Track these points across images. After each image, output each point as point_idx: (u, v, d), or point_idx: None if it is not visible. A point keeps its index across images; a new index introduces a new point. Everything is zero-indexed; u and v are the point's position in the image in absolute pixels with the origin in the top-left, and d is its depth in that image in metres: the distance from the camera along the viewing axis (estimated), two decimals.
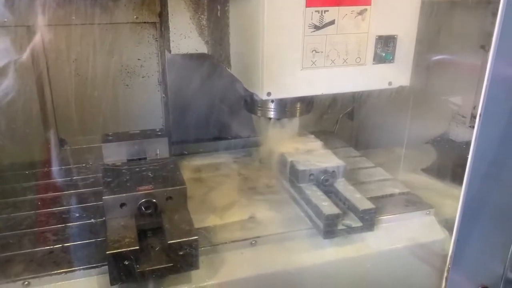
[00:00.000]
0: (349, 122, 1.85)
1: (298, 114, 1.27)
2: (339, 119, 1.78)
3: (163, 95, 1.64)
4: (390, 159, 1.59)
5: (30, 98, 1.48)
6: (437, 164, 1.59)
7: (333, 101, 1.62)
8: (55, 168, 1.42)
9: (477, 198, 0.83)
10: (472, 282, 0.92)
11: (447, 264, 0.87)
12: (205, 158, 1.52)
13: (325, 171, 1.21)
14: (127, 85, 1.60)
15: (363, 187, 1.32)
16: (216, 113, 1.61)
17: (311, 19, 1.02)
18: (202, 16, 1.37)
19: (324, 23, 1.03)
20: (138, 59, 1.59)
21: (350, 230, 1.11)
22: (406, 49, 1.11)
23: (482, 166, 0.79)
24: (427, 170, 1.56)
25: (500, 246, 0.90)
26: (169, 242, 0.95)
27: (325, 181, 1.21)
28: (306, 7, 1.01)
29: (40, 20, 1.38)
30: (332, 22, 1.04)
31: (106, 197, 1.00)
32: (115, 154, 1.24)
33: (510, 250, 0.90)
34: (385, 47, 1.10)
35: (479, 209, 0.85)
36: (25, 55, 1.42)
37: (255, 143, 1.53)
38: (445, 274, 0.88)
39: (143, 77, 1.61)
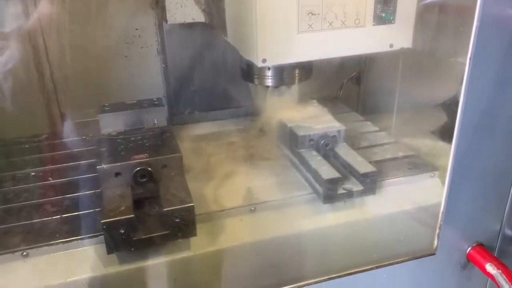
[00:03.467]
0: (354, 88, 1.81)
1: (296, 81, 1.23)
2: (343, 84, 1.74)
3: (163, 65, 1.61)
4: (396, 123, 1.56)
5: (28, 71, 1.47)
6: (445, 127, 1.55)
7: (338, 65, 1.58)
8: (55, 141, 1.42)
9: (468, 150, 0.80)
10: (465, 239, 0.89)
11: (439, 221, 0.85)
12: (205, 127, 1.50)
13: (325, 136, 1.19)
14: (126, 56, 1.58)
15: (366, 151, 1.29)
16: (216, 83, 1.58)
17: None
18: None
19: None
20: (136, 29, 1.56)
21: (351, 194, 1.09)
22: (407, 8, 1.07)
23: (474, 115, 0.76)
24: (435, 133, 1.52)
25: (495, 201, 0.87)
26: (165, 209, 0.94)
27: (325, 146, 1.18)
28: None
29: None
30: None
31: (100, 166, 1.00)
32: (112, 124, 1.22)
33: (507, 205, 0.86)
34: (385, 7, 1.07)
35: (471, 162, 0.82)
36: (22, 27, 1.40)
37: (256, 111, 1.51)
38: (437, 231, 0.86)
39: (141, 47, 1.59)
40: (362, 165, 1.12)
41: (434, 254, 0.95)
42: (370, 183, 1.10)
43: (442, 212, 0.86)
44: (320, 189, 1.09)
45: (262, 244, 1.04)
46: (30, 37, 1.46)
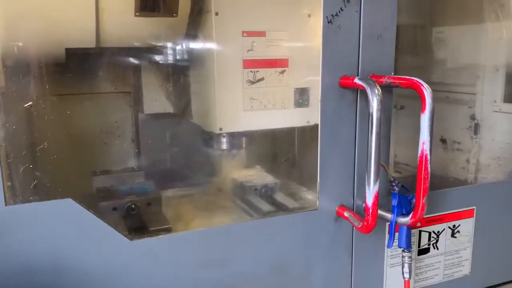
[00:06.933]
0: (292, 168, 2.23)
1: (244, 146, 1.65)
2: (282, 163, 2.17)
3: (136, 150, 2.00)
4: None
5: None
6: None
7: (277, 150, 2.02)
8: None
9: (326, 153, 1.27)
10: (333, 201, 1.31)
11: (317, 187, 1.28)
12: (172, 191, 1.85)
13: (265, 186, 1.60)
14: (106, 143, 1.95)
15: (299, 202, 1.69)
16: (181, 161, 1.96)
17: (247, 77, 1.41)
18: (169, 84, 1.78)
19: (256, 79, 1.42)
20: (115, 122, 1.95)
21: None
22: (317, 96, 1.44)
23: (327, 128, 1.26)
24: None
25: (346, 180, 1.31)
26: (150, 229, 1.29)
27: (265, 193, 1.59)
28: (243, 68, 1.40)
29: (33, 91, 1.71)
30: (262, 79, 1.43)
31: (102, 203, 1.35)
32: (103, 184, 1.58)
33: (354, 183, 1.31)
34: (301, 96, 1.48)
35: (328, 155, 1.27)
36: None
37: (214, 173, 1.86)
38: (317, 194, 1.28)
39: (119, 136, 1.97)
40: (291, 203, 1.53)
41: (317, 209, 1.30)
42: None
43: (318, 182, 1.27)
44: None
45: None
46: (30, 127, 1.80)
